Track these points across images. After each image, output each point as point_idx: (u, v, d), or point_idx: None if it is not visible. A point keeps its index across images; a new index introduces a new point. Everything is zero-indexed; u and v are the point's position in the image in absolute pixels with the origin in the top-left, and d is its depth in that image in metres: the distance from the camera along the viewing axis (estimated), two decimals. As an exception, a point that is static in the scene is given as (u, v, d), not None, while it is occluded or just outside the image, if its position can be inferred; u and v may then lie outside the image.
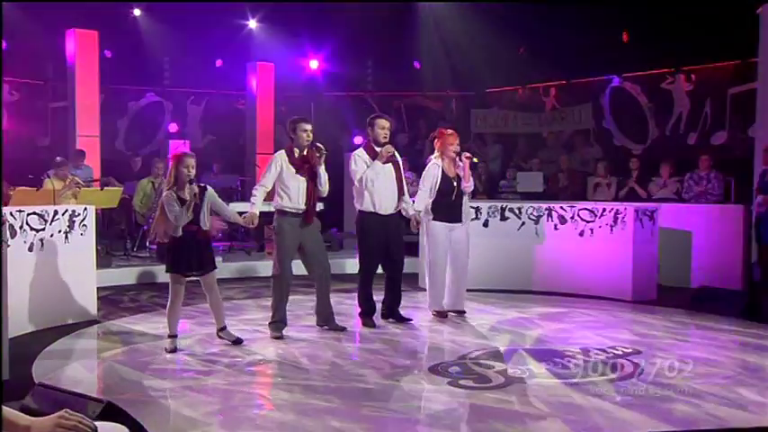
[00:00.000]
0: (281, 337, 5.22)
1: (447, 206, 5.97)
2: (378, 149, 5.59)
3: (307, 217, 5.26)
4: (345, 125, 12.99)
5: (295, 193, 5.22)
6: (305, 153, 5.24)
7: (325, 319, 5.57)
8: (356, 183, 5.58)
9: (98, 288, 6.17)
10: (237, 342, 4.95)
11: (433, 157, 6.08)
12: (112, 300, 6.98)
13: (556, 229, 7.58)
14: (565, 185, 10.20)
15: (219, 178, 10.54)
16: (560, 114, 12.04)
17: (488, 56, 11.76)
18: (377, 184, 5.54)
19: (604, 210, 7.38)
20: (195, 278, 4.90)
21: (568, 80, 12.20)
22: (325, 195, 5.43)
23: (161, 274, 8.11)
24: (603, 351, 4.92)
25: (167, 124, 13.36)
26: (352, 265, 7.94)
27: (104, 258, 7.86)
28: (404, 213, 5.76)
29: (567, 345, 5.06)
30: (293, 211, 5.25)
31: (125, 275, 7.97)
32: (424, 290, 7.53)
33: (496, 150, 12.44)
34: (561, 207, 7.64)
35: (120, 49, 12.01)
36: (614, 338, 5.34)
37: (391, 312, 5.83)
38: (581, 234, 7.46)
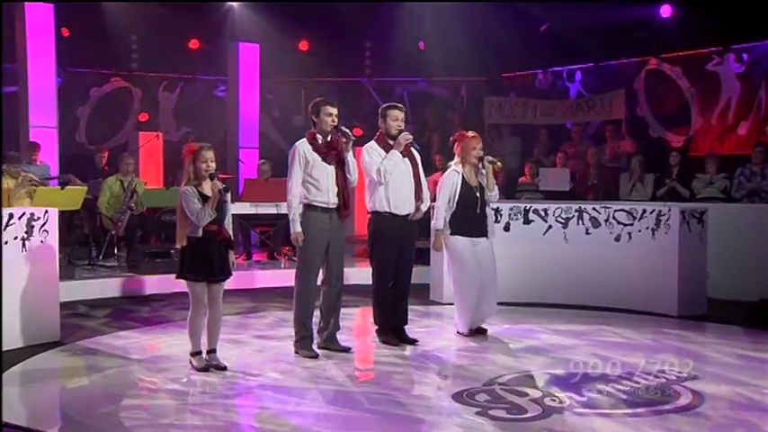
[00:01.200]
0: (315, 356, 5.27)
1: (469, 219, 5.99)
2: (391, 142, 5.65)
3: (340, 211, 5.29)
4: (340, 116, 12.81)
5: (325, 185, 5.24)
6: (329, 139, 5.27)
7: (329, 338, 5.54)
8: (373, 176, 5.57)
9: (60, 303, 6.10)
10: (223, 369, 4.92)
11: (452, 163, 6.10)
12: (77, 317, 6.92)
13: (587, 233, 7.58)
14: (594, 183, 10.15)
15: None
16: (587, 102, 11.96)
17: (504, 35, 11.77)
18: (392, 179, 5.55)
19: (645, 211, 7.36)
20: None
21: (597, 62, 12.15)
22: (354, 186, 5.47)
23: (131, 285, 8.10)
24: (652, 375, 4.88)
25: (136, 114, 13.26)
26: (351, 273, 7.98)
27: (66, 269, 7.76)
28: (414, 215, 5.72)
29: (608, 368, 5.00)
30: (324, 205, 5.27)
31: (91, 288, 7.92)
32: (437, 303, 7.63)
33: (514, 144, 12.38)
34: (594, 208, 7.63)
35: (80, 26, 11.93)
36: (662, 360, 5.28)
37: (397, 331, 5.82)
38: (617, 239, 7.45)
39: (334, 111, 5.28)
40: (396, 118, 5.62)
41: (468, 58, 12.72)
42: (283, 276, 8.75)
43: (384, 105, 5.76)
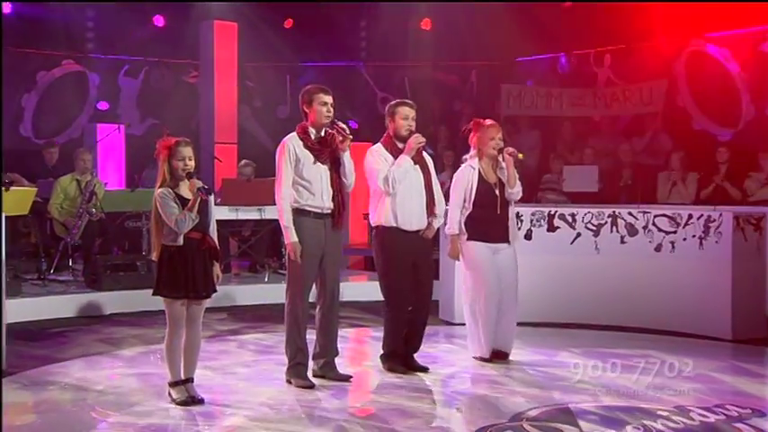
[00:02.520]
0: (311, 386, 5.27)
1: (488, 222, 5.99)
2: (400, 145, 5.65)
3: (335, 218, 5.30)
4: (338, 108, 12.76)
5: (318, 187, 5.26)
6: (323, 134, 5.29)
7: (326, 365, 5.50)
8: (379, 185, 5.57)
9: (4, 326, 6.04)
10: (200, 402, 4.89)
11: (467, 156, 6.09)
12: (24, 342, 6.83)
13: (623, 242, 7.58)
14: (628, 184, 10.11)
15: None
16: (619, 90, 11.96)
17: (520, 12, 11.78)
18: (400, 189, 5.57)
19: (691, 216, 7.33)
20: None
21: (630, 44, 12.13)
22: (350, 189, 5.48)
23: (89, 303, 8.04)
24: (710, 411, 4.82)
25: (93, 103, 13.18)
26: (344, 287, 7.91)
27: (11, 284, 7.67)
28: (425, 232, 5.73)
29: (654, 401, 4.99)
30: (317, 210, 5.27)
31: (41, 307, 7.87)
32: (448, 323, 7.64)
33: (534, 138, 12.38)
34: (630, 213, 7.61)
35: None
36: (719, 393, 5.24)
37: (406, 357, 5.81)
38: (658, 249, 7.45)
39: (330, 99, 5.28)
40: (405, 116, 5.62)
41: (479, 38, 12.74)
42: (268, 292, 8.79)
43: (392, 102, 5.79)
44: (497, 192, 5.97)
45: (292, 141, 5.27)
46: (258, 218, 9.27)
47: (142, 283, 7.95)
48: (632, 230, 7.52)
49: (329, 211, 5.29)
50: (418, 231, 5.66)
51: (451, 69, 13.82)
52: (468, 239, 5.96)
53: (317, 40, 13.10)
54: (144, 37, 13.03)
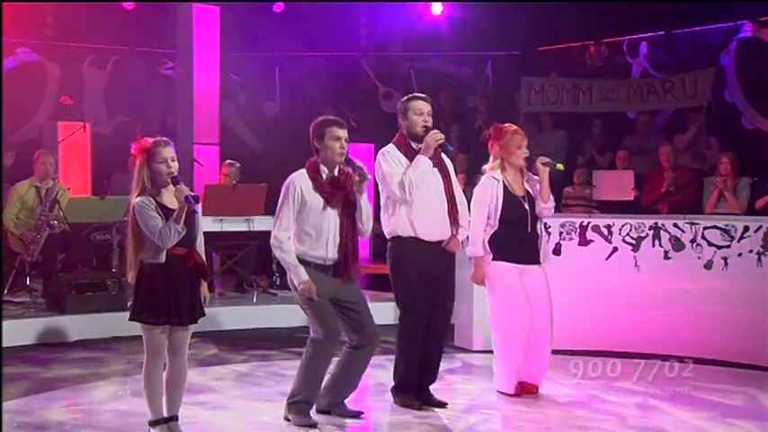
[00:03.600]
0: (313, 425, 5.28)
1: (517, 240, 6.02)
2: (415, 145, 5.69)
3: (340, 270, 5.30)
4: (327, 103, 12.82)
5: (324, 236, 5.29)
6: (337, 174, 5.32)
7: (334, 400, 5.53)
8: (394, 191, 5.59)
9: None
10: None
11: (487, 167, 6.12)
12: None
13: (667, 257, 7.60)
14: (669, 191, 10.06)
15: None
16: (658, 83, 11.82)
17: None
18: (418, 194, 5.61)
19: (747, 229, 7.34)
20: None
21: (669, 30, 12.08)
22: (365, 237, 5.51)
23: (51, 329, 8.03)
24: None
25: (53, 97, 13.07)
26: None
27: (-38, 306, 7.64)
28: (449, 243, 5.76)
29: None
30: (318, 262, 5.30)
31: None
32: (465, 350, 7.70)
33: (558, 139, 12.32)
34: (675, 225, 7.61)
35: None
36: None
37: (419, 390, 5.83)
38: (708, 266, 7.45)
39: (344, 134, 5.30)
40: (420, 111, 5.67)
41: (495, 25, 12.72)
42: (257, 315, 8.83)
43: (405, 97, 5.84)
44: (527, 206, 5.99)
45: (300, 181, 5.27)
46: (246, 229, 9.23)
47: (113, 304, 7.94)
48: (678, 245, 7.53)
49: (332, 263, 5.29)
50: (440, 242, 5.68)
51: (464, 60, 13.78)
52: (493, 259, 5.98)
53: (310, 26, 13.08)
54: (112, 22, 12.91)
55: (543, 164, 5.97)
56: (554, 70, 12.90)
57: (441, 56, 13.70)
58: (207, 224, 8.95)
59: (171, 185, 4.75)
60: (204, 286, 4.93)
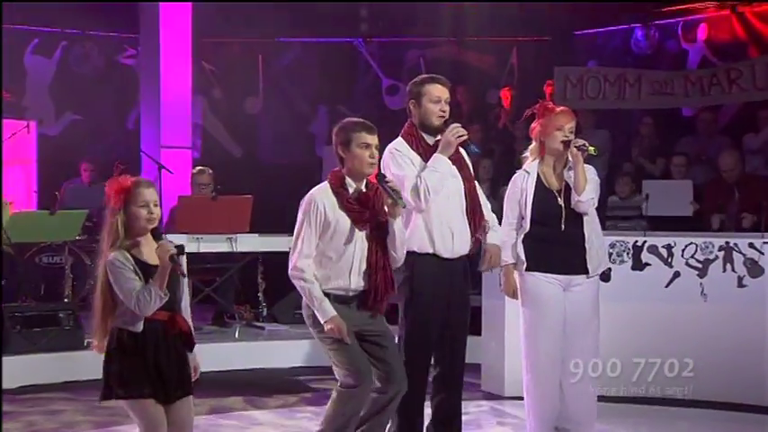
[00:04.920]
0: None
1: (551, 243, 5.92)
2: (430, 140, 5.67)
3: (368, 302, 5.34)
4: (320, 100, 12.74)
5: (348, 263, 5.29)
6: (365, 188, 5.35)
7: None
8: (408, 198, 5.51)
9: None
10: None
11: (526, 154, 6.08)
12: None
13: (741, 285, 7.52)
14: (739, 205, 9.96)
15: (93, 192, 10.40)
16: (721, 72, 11.80)
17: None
18: (436, 200, 5.62)
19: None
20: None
21: (734, 8, 12.08)
22: (399, 265, 5.48)
23: None
24: None
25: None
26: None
27: None
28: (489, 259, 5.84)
29: None
30: (340, 293, 5.30)
31: None
32: (494, 397, 7.67)
33: (601, 140, 12.20)
34: (752, 245, 7.54)
35: None
36: None
37: None
38: None
39: (375, 140, 5.29)
40: (438, 98, 5.63)
41: (522, 5, 12.70)
42: (240, 353, 8.84)
43: (419, 79, 5.79)
44: (561, 201, 5.90)
45: (323, 198, 5.26)
46: (228, 250, 9.13)
47: (67, 342, 7.82)
48: (755, 269, 7.44)
49: (356, 293, 5.32)
50: (459, 259, 5.69)
51: (485, 47, 13.78)
52: (526, 270, 5.89)
53: (300, 6, 12.98)
54: (62, 1, 12.81)
55: (577, 148, 5.85)
56: (594, 59, 12.99)
57: (457, 42, 13.71)
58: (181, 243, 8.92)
59: (150, 236, 4.69)
60: (192, 356, 4.85)
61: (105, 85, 13.21)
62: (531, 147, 6.04)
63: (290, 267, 5.27)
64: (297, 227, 5.27)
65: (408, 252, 5.57)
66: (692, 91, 11.83)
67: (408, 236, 5.57)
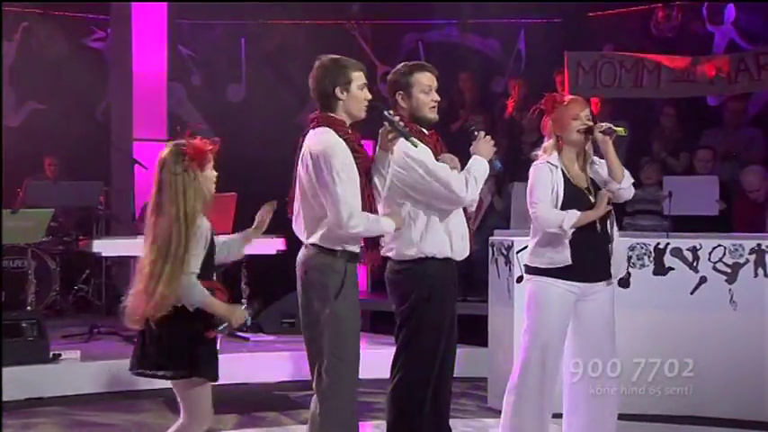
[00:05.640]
0: None
1: (584, 247, 5.95)
2: (425, 131, 5.71)
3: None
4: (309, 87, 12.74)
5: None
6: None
7: None
8: (454, 192, 5.55)
9: None
10: None
11: (539, 152, 6.11)
12: None
13: None
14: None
15: (60, 188, 10.53)
16: (750, 58, 11.76)
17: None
18: None
19: None
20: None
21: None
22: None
23: None
24: None
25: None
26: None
27: None
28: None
29: None
30: (356, 250, 5.42)
31: None
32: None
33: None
34: None
35: None
36: None
37: None
38: None
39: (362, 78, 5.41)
40: (428, 87, 5.69)
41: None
42: (222, 366, 8.54)
43: (403, 67, 5.78)
44: (592, 199, 5.94)
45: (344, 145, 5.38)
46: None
47: (30, 354, 7.85)
48: (791, 274, 7.51)
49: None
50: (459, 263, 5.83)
51: (489, 30, 13.78)
52: (542, 273, 5.94)
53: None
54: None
55: (603, 132, 5.89)
56: (609, 43, 12.98)
57: (459, 24, 13.72)
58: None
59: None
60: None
61: (71, 72, 13.10)
62: (544, 145, 6.03)
63: (350, 224, 5.20)
64: (336, 176, 5.19)
65: (425, 258, 5.64)
66: (717, 78, 11.84)
67: (427, 240, 5.64)
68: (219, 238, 5.40)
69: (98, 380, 8.43)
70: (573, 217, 5.80)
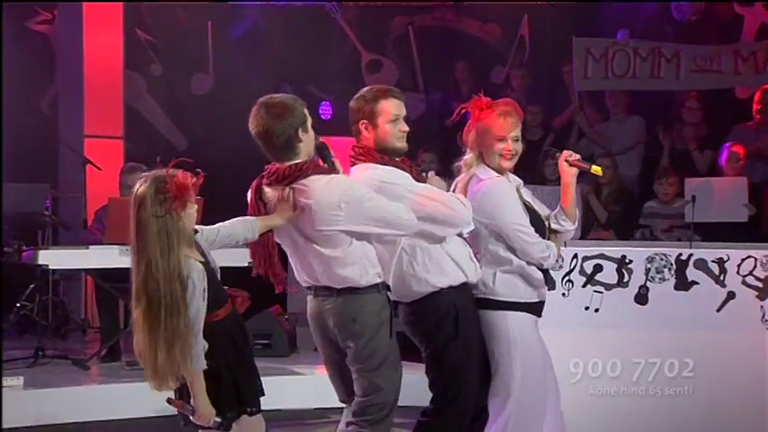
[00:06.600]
0: None
1: (540, 279, 6.05)
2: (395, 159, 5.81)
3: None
4: (286, 78, 13.07)
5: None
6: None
7: None
8: (461, 219, 5.71)
9: None
10: None
11: (461, 162, 6.10)
12: None
13: None
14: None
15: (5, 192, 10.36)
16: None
17: None
18: None
19: None
20: None
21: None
22: None
23: None
24: None
25: None
26: (318, 390, 8.22)
27: None
28: None
29: None
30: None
31: None
32: None
33: (632, 130, 12.45)
34: None
35: None
36: None
37: None
38: None
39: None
40: (395, 117, 5.71)
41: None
42: None
43: (365, 94, 5.76)
44: (547, 223, 6.06)
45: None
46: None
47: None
48: (829, 290, 7.54)
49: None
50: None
51: (489, 14, 13.86)
52: (512, 308, 5.90)
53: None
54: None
55: (572, 163, 5.90)
56: (622, 28, 12.98)
57: (454, 6, 13.82)
58: (112, 257, 8.92)
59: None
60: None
61: (12, 59, 13.10)
62: (465, 158, 5.98)
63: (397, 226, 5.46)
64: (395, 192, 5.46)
65: (440, 290, 5.70)
66: (744, 68, 11.87)
67: (437, 271, 5.70)
68: (214, 228, 5.48)
69: (43, 410, 8.42)
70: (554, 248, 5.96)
